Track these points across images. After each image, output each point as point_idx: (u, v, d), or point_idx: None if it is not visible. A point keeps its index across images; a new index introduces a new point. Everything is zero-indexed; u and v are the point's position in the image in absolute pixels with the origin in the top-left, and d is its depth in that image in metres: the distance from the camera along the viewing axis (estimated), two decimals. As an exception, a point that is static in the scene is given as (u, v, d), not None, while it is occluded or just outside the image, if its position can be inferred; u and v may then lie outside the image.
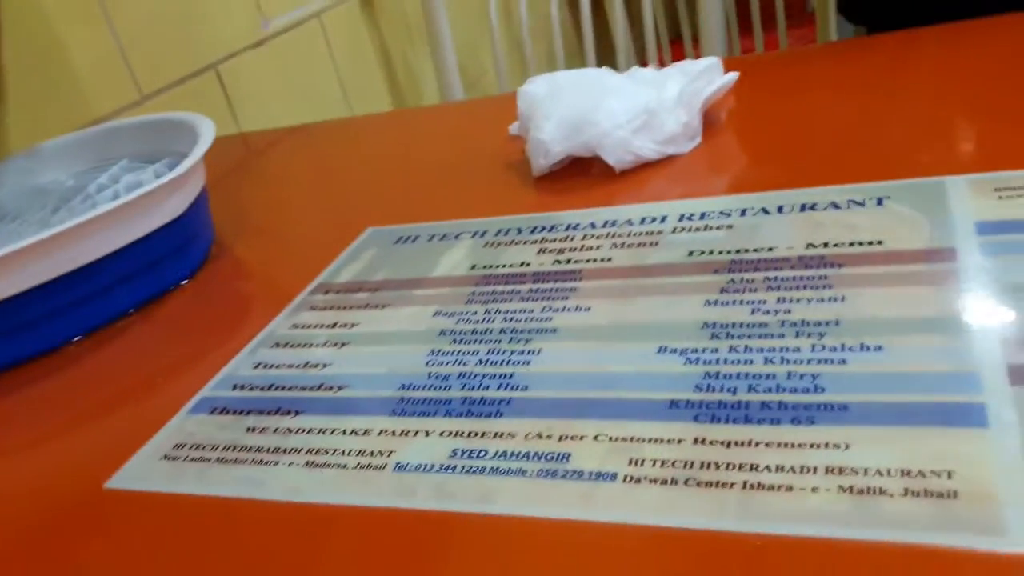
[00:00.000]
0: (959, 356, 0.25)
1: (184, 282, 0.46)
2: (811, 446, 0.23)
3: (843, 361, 0.26)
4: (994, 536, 0.19)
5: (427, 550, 0.24)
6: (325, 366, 0.34)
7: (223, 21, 0.89)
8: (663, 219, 0.38)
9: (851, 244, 0.32)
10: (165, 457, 0.31)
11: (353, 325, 0.37)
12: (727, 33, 1.00)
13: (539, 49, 1.18)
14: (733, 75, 0.47)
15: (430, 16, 1.11)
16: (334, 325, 0.37)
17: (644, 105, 0.44)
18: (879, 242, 0.32)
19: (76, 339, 0.42)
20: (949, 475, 0.21)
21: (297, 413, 0.31)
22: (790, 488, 0.22)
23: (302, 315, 0.39)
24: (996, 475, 0.21)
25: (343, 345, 0.35)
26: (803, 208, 0.36)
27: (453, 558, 0.24)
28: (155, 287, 0.45)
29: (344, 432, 0.29)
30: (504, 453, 0.26)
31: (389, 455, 0.28)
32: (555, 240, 0.39)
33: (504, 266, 0.38)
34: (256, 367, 0.35)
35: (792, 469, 0.23)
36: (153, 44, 0.80)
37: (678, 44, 1.55)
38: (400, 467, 0.27)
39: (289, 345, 0.37)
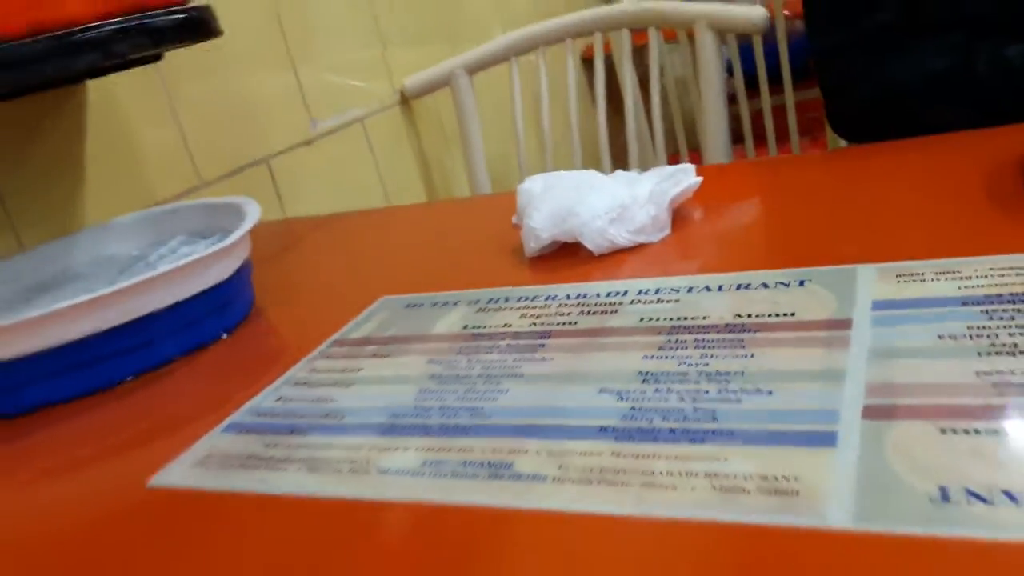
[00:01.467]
0: (828, 398, 0.31)
1: (224, 336, 0.54)
2: (698, 459, 0.29)
3: (739, 400, 0.33)
4: (816, 519, 0.25)
5: (398, 531, 0.30)
6: (332, 400, 0.41)
7: (276, 121, 1.01)
8: (625, 293, 0.45)
9: (769, 315, 0.39)
10: (197, 464, 0.38)
11: (359, 370, 0.44)
12: (730, 147, 1.09)
13: (560, 152, 1.28)
14: (698, 180, 0.55)
15: (463, 124, 1.22)
16: (343, 370, 0.44)
17: (619, 200, 0.52)
18: (792, 314, 0.38)
19: (128, 379, 0.50)
20: (796, 479, 0.27)
21: (305, 433, 0.38)
22: (675, 487, 0.28)
23: (318, 363, 0.46)
24: (829, 480, 0.27)
25: (349, 385, 0.42)
26: (739, 287, 0.43)
27: (416, 536, 0.30)
28: (198, 339, 0.53)
29: (340, 448, 0.36)
30: (463, 462, 0.33)
31: (372, 462, 0.34)
32: (535, 307, 0.46)
33: (490, 327, 0.45)
34: (277, 400, 0.43)
35: (680, 473, 0.29)
36: (213, 138, 0.91)
37: (690, 153, 1.65)
38: (381, 471, 0.34)
39: (306, 384, 0.44)
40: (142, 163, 0.84)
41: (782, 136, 1.51)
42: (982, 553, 0.23)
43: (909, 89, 0.84)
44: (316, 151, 1.06)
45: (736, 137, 1.34)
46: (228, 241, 0.52)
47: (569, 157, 1.23)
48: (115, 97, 0.82)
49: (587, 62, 1.72)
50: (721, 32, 1.04)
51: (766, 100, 1.42)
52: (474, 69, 1.21)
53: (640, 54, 1.31)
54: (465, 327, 0.46)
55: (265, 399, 0.43)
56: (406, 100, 1.25)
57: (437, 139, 1.32)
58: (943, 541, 0.24)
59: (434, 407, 0.38)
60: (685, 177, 0.55)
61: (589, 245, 0.52)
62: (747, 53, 1.38)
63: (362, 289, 0.57)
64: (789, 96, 1.43)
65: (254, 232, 0.56)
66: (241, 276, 0.56)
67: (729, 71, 1.99)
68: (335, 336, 0.49)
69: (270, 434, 0.39)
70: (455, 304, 0.50)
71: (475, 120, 1.21)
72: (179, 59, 0.86)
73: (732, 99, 1.53)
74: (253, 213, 0.58)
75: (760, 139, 1.51)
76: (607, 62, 1.20)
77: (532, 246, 0.54)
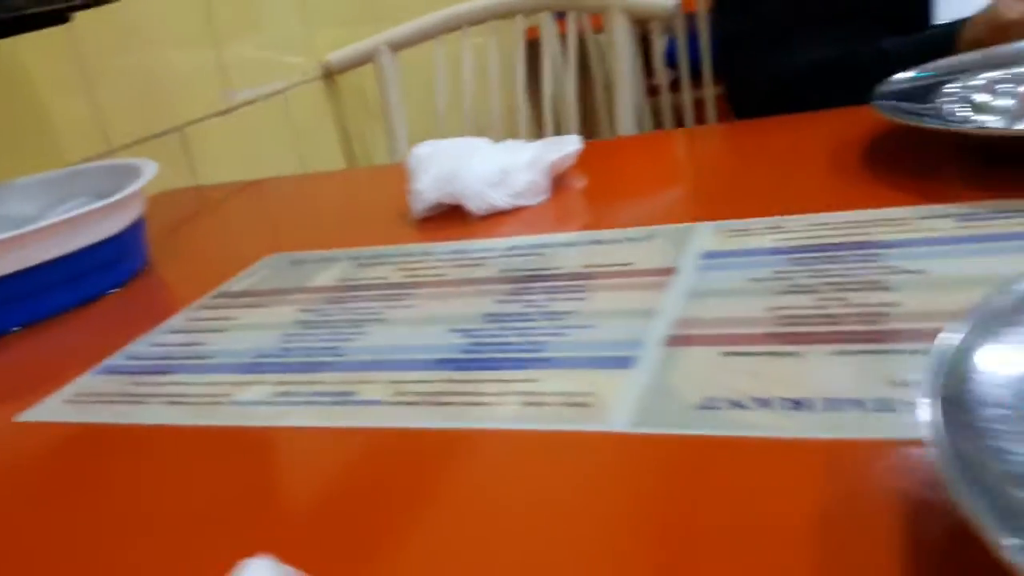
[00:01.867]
0: (639, 330, 0.35)
1: (114, 291, 0.55)
2: (516, 381, 0.33)
3: (564, 334, 0.36)
4: (600, 424, 0.29)
5: (246, 452, 0.33)
6: (202, 344, 0.43)
7: (191, 91, 1.01)
8: (494, 249, 0.48)
9: (613, 265, 0.42)
10: (66, 401, 0.40)
11: (234, 319, 0.46)
12: (640, 130, 1.13)
13: (480, 131, 1.30)
14: (576, 147, 0.58)
15: (386, 99, 1.23)
16: (219, 319, 0.46)
17: (501, 166, 0.55)
18: (630, 263, 0.42)
19: (14, 329, 0.51)
20: (592, 395, 0.31)
21: (170, 373, 0.40)
22: (492, 404, 0.31)
23: (198, 312, 0.48)
24: (619, 395, 0.30)
25: (222, 332, 0.44)
26: (594, 243, 0.46)
27: (263, 455, 0.32)
28: (86, 292, 0.54)
29: (201, 384, 0.39)
30: (312, 393, 0.35)
31: (229, 396, 0.37)
32: (411, 262, 0.49)
33: (365, 279, 0.48)
34: (152, 346, 0.44)
35: (498, 393, 0.32)
36: (125, 106, 0.91)
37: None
38: (236, 403, 0.36)
39: (182, 331, 0.46)
40: (49, 129, 0.84)
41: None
42: (731, 446, 0.26)
43: (801, 77, 0.89)
44: (233, 121, 1.06)
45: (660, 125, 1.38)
46: (115, 198, 0.54)
47: (488, 136, 1.25)
48: (22, 63, 0.82)
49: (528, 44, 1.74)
50: (634, 17, 1.07)
51: (687, 91, 1.46)
52: (398, 46, 1.23)
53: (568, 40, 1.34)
54: (342, 280, 0.48)
55: (140, 345, 0.45)
56: (330, 75, 1.26)
57: (361, 114, 1.33)
58: (701, 437, 0.27)
59: (296, 348, 0.40)
60: (564, 145, 0.58)
61: (471, 207, 0.55)
62: (690, 44, 1.41)
63: (253, 248, 0.59)
64: (708, 87, 1.47)
65: (160, 197, 0.58)
66: (132, 233, 0.57)
67: (671, 63, 2.03)
68: (218, 289, 0.51)
69: (139, 375, 0.41)
70: (337, 261, 0.52)
71: (397, 96, 1.23)
72: (93, 27, 0.86)
73: (672, 87, 1.58)
74: (148, 173, 0.59)
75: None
76: (538, 46, 1.23)
77: (418, 207, 0.56)
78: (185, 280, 0.57)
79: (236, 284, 0.51)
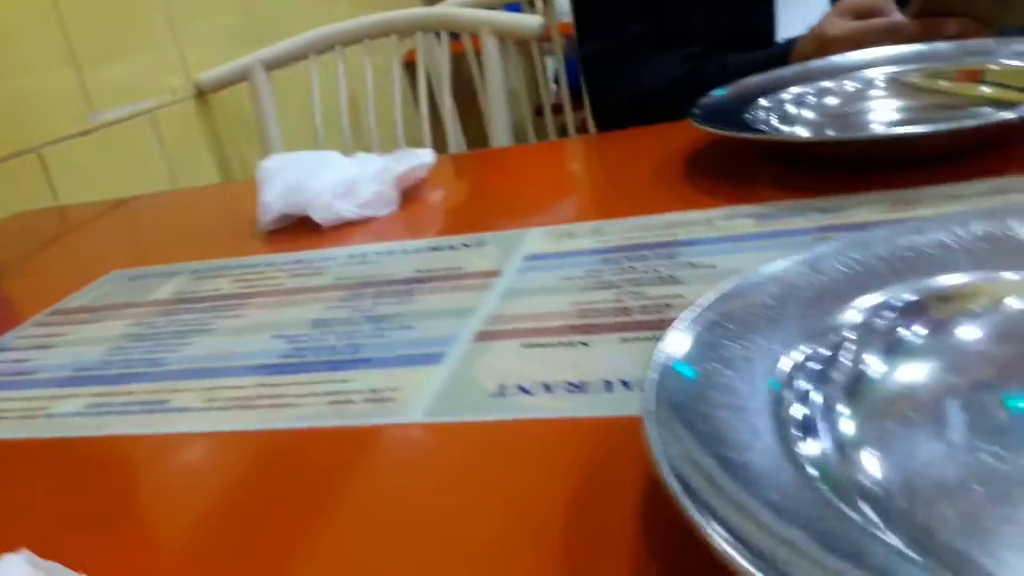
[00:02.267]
0: (453, 328, 0.36)
1: (-58, 312, 0.53)
2: (327, 383, 0.33)
3: (383, 336, 0.37)
4: (400, 417, 0.30)
5: (59, 462, 0.32)
6: (27, 361, 0.42)
7: (49, 111, 0.98)
8: (335, 258, 0.49)
9: (441, 270, 0.43)
10: None
11: (63, 335, 0.45)
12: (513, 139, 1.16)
13: (359, 140, 1.31)
14: (426, 161, 0.59)
15: (261, 118, 1.22)
16: (48, 335, 0.45)
17: (347, 177, 0.56)
18: (459, 268, 0.43)
19: None
20: (397, 390, 0.32)
21: (-12, 389, 0.39)
22: (297, 405, 0.32)
23: (29, 330, 0.47)
24: (421, 389, 0.31)
25: (48, 348, 0.43)
26: (431, 249, 0.47)
27: (74, 464, 0.32)
28: (-87, 315, 0.52)
29: (19, 399, 0.38)
30: (124, 403, 0.35)
31: (45, 409, 0.36)
32: (250, 274, 0.49)
33: (200, 292, 0.47)
34: (-28, 364, 0.43)
35: (306, 395, 0.33)
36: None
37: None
38: (48, 415, 0.35)
39: (9, 350, 0.44)
40: None
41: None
42: (517, 427, 0.28)
43: (656, 91, 0.94)
44: (97, 142, 1.03)
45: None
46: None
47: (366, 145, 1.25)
48: None
49: (408, 66, 1.75)
50: (502, 36, 1.10)
51: (568, 109, 1.50)
52: (273, 65, 1.22)
53: (457, 61, 1.37)
54: (177, 293, 0.48)
55: (-39, 364, 0.43)
56: (203, 94, 1.24)
57: (239, 133, 1.31)
58: (490, 422, 0.28)
59: (117, 361, 0.40)
60: (414, 158, 0.59)
61: (317, 218, 0.55)
62: (572, 65, 1.46)
63: (99, 266, 0.58)
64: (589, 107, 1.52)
65: (16, 218, 0.56)
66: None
67: (556, 81, 2.08)
68: (54, 307, 0.50)
69: (-46, 392, 0.40)
70: (177, 275, 0.51)
71: (273, 114, 1.22)
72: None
73: (558, 109, 1.62)
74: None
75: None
76: (428, 66, 1.24)
77: (265, 220, 0.56)
78: (26, 299, 0.55)
79: (73, 301, 0.50)
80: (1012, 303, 0.23)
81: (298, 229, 0.56)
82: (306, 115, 1.26)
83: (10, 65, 0.93)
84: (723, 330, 0.24)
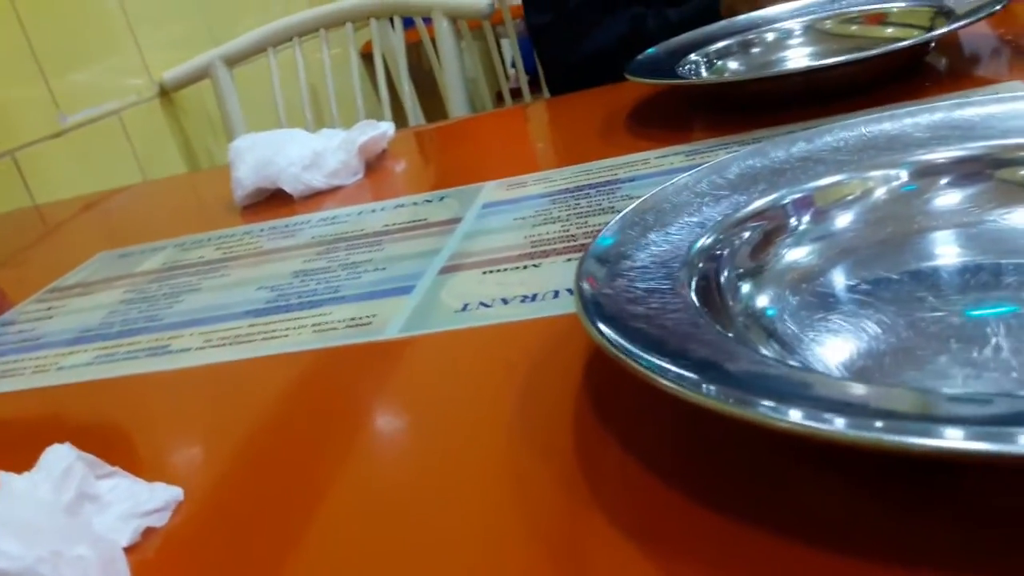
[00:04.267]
0: (420, 266, 0.40)
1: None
2: (311, 317, 0.38)
3: (359, 277, 0.41)
4: (377, 335, 0.34)
5: (72, 406, 0.36)
6: (32, 331, 0.46)
7: (20, 115, 1.00)
8: (309, 222, 0.53)
9: (408, 222, 0.48)
10: None
11: (63, 307, 0.49)
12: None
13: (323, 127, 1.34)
14: (385, 130, 0.63)
15: (226, 114, 1.25)
16: (48, 308, 0.49)
17: (313, 149, 0.60)
18: (424, 219, 0.48)
19: None
20: (374, 316, 0.36)
21: (3, 355, 0.43)
22: (286, 336, 0.36)
23: (29, 305, 0.50)
24: (395, 313, 0.36)
25: (51, 319, 0.47)
26: (396, 207, 0.51)
27: (87, 404, 0.36)
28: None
29: (29, 359, 0.41)
30: (129, 351, 0.39)
31: (55, 364, 0.40)
32: (231, 242, 0.53)
33: (186, 260, 0.51)
34: (-19, 337, 0.47)
35: (293, 328, 0.37)
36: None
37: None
38: (59, 368, 0.39)
39: (15, 323, 0.48)
40: None
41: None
42: (479, 332, 0.32)
43: (605, 53, 0.98)
44: (68, 143, 1.06)
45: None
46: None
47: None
48: None
49: (366, 56, 1.78)
50: (453, 17, 1.14)
51: (527, 97, 1.55)
52: (233, 61, 1.25)
53: (411, 50, 1.40)
54: (165, 264, 0.52)
55: (-31, 338, 0.47)
56: (167, 93, 1.27)
57: (205, 128, 1.34)
58: (456, 330, 0.33)
59: (116, 321, 0.44)
60: (374, 129, 0.63)
61: (288, 189, 0.59)
62: (527, 48, 1.49)
63: (84, 252, 0.61)
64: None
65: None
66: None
67: (513, 65, 2.12)
68: (50, 285, 0.54)
69: (-31, 359, 0.43)
70: (163, 249, 0.55)
71: (237, 108, 1.25)
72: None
73: (517, 93, 1.66)
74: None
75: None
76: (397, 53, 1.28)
77: (239, 194, 0.60)
78: (26, 281, 0.59)
79: (67, 280, 0.54)
80: (879, 193, 0.28)
81: (272, 201, 0.60)
82: (269, 107, 1.29)
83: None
84: (640, 227, 0.28)
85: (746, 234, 0.27)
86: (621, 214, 0.30)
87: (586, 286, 0.25)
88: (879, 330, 0.24)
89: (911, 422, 0.17)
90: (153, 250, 0.55)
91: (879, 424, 0.17)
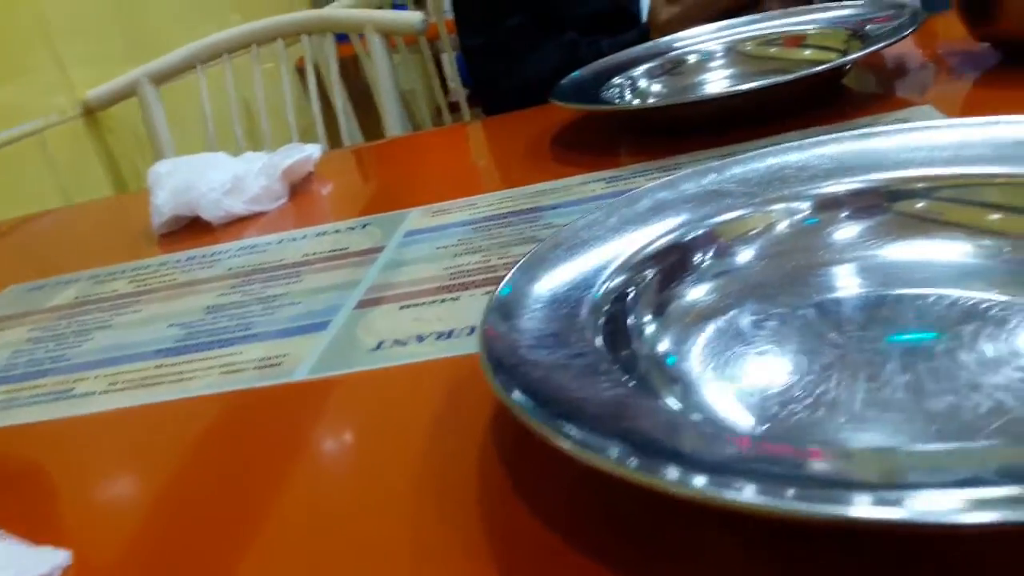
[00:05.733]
0: (338, 300, 0.39)
1: None
2: (221, 357, 0.36)
3: (273, 312, 0.40)
4: (286, 377, 0.33)
5: (-46, 457, 0.34)
6: (-72, 372, 0.43)
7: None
8: (227, 252, 0.51)
9: (329, 251, 0.47)
10: None
11: (-36, 345, 0.46)
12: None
13: (255, 145, 1.31)
14: (310, 153, 0.62)
15: (152, 133, 1.22)
16: (-52, 348, 0.46)
17: (234, 175, 0.58)
18: (345, 248, 0.47)
19: None
20: (285, 356, 0.35)
21: None
22: (194, 378, 0.35)
23: (-73, 346, 0.48)
24: (307, 352, 0.35)
25: (-50, 358, 0.45)
26: (317, 235, 0.50)
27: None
28: None
29: (-78, 405, 0.39)
30: (32, 396, 0.37)
31: (-51, 411, 0.38)
32: (146, 274, 0.51)
33: (98, 295, 0.49)
34: None
35: (202, 369, 0.36)
36: None
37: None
38: (-46, 416, 0.37)
39: (-93, 366, 0.45)
40: None
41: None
42: (392, 372, 0.31)
43: (539, 80, 0.98)
44: (-17, 166, 1.02)
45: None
46: None
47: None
48: None
49: (302, 71, 1.76)
50: (385, 33, 1.13)
51: (466, 111, 1.54)
52: (160, 79, 1.22)
53: (348, 65, 1.39)
54: (76, 298, 0.50)
55: None
56: (91, 112, 1.23)
57: (131, 148, 1.30)
58: (368, 371, 0.32)
59: (20, 362, 0.42)
60: (299, 152, 0.62)
61: (207, 216, 0.57)
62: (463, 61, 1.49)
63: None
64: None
65: None
66: None
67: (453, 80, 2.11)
68: (-49, 323, 0.51)
69: None
70: (76, 282, 0.53)
71: (164, 127, 1.22)
72: None
73: (456, 107, 1.65)
74: None
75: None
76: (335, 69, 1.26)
77: (157, 222, 0.58)
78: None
79: (-31, 316, 0.51)
80: (782, 227, 0.28)
81: (191, 229, 0.59)
82: (199, 126, 1.27)
83: None
84: (549, 265, 0.28)
85: (651, 272, 0.27)
86: (529, 253, 0.30)
87: (490, 334, 0.24)
88: (785, 367, 0.24)
89: (817, 489, 0.17)
90: (66, 283, 0.53)
91: (783, 492, 0.17)
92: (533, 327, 0.24)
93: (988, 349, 0.22)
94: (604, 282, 0.26)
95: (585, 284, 0.26)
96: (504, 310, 0.26)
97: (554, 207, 0.44)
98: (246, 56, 1.24)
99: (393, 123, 1.13)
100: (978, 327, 0.23)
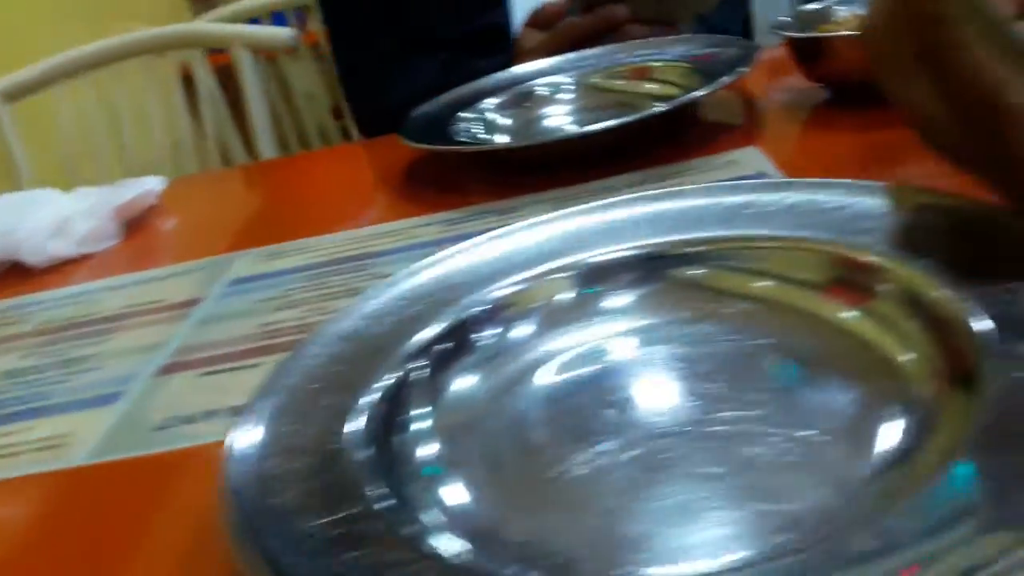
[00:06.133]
0: (137, 365, 0.37)
1: None
2: (8, 435, 0.33)
3: (70, 380, 0.37)
4: (65, 462, 0.30)
5: None
6: None
7: None
8: (44, 302, 0.48)
9: (144, 303, 0.44)
10: None
11: None
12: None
13: (132, 165, 1.25)
14: (150, 189, 0.59)
15: (3, 146, 1.14)
16: None
17: (60, 214, 0.54)
18: (162, 300, 0.44)
19: None
20: (70, 435, 0.32)
21: None
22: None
23: None
24: (92, 431, 0.32)
25: None
26: (137, 284, 0.47)
27: None
28: None
29: None
30: None
31: None
32: (-50, 329, 0.47)
33: None
34: None
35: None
36: None
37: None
38: None
39: None
40: None
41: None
42: (167, 457, 0.29)
43: (412, 101, 0.97)
44: None
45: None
46: None
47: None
48: None
49: (184, 80, 1.69)
50: (256, 49, 1.09)
51: (349, 121, 1.51)
52: (13, 96, 1.15)
53: (224, 73, 1.33)
54: None
55: None
56: (-64, 131, 1.14)
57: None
58: (144, 456, 0.30)
59: None
60: (137, 187, 0.59)
61: (30, 261, 0.53)
62: None
63: None
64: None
65: None
66: None
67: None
68: None
69: None
70: None
71: (19, 147, 1.14)
72: None
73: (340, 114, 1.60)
74: None
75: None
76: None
77: (-29, 269, 0.54)
78: None
79: None
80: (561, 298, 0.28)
81: (11, 275, 0.54)
82: (58, 146, 1.20)
83: None
84: (304, 379, 0.26)
85: (419, 371, 0.26)
86: (277, 366, 0.27)
87: (230, 472, 0.22)
88: (558, 472, 0.23)
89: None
90: None
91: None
92: (283, 456, 0.23)
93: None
94: (369, 388, 0.24)
95: (348, 392, 0.24)
96: (248, 450, 0.23)
97: (383, 254, 0.43)
98: (110, 70, 1.18)
99: (264, 145, 1.09)
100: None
